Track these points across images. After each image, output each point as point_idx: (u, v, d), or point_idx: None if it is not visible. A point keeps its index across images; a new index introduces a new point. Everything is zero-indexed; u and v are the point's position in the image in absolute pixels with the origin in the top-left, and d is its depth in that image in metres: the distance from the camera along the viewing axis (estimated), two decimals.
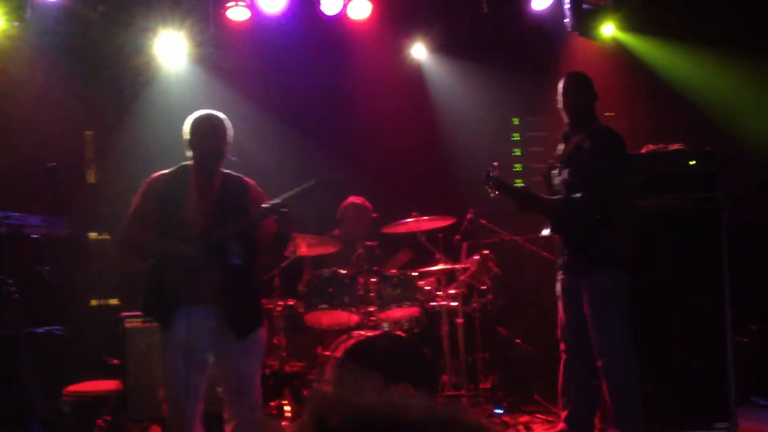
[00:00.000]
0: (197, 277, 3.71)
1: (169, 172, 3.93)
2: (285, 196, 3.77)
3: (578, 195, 4.34)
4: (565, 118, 4.61)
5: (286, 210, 3.72)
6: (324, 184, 3.82)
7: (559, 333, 4.68)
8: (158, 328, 3.88)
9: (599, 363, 4.41)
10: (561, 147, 4.70)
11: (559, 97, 4.58)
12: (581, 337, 4.55)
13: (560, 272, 4.65)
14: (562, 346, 4.67)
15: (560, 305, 4.66)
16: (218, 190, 3.90)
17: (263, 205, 3.75)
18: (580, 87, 4.56)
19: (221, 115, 3.95)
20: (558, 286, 4.65)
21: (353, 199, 6.28)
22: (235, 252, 3.75)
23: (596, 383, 4.57)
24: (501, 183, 4.42)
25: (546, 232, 4.51)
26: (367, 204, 6.26)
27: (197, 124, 3.89)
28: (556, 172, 4.63)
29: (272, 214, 3.75)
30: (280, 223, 3.77)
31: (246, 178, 4.04)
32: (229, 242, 3.75)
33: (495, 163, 4.44)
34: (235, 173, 4.05)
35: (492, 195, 4.48)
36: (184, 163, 3.96)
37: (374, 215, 6.23)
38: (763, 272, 5.95)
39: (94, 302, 6.37)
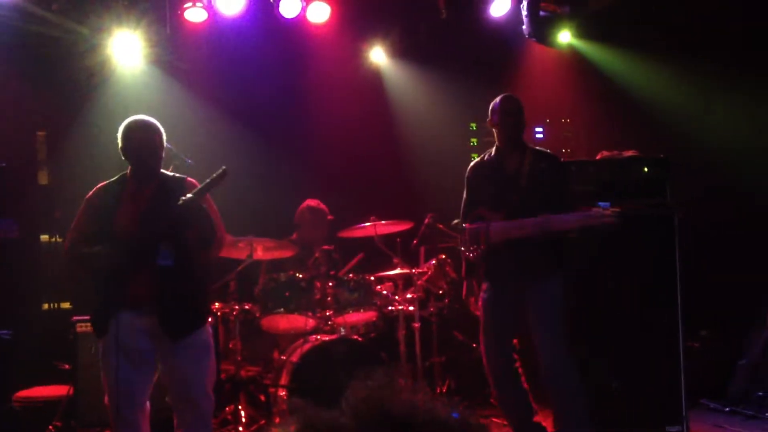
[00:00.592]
0: (128, 281, 3.68)
1: (108, 183, 3.94)
2: (196, 190, 3.73)
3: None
4: (502, 138, 4.60)
5: (195, 203, 3.67)
6: (221, 177, 3.75)
7: (484, 341, 4.63)
8: (96, 334, 3.83)
9: (544, 370, 4.44)
10: (482, 165, 4.70)
11: (500, 116, 4.57)
12: (505, 344, 4.56)
13: (490, 281, 4.61)
14: (487, 357, 4.62)
15: (487, 314, 4.60)
16: (152, 194, 3.87)
17: (178, 203, 3.69)
18: (521, 109, 4.60)
19: (152, 120, 3.92)
20: (483, 295, 4.62)
21: (309, 202, 6.26)
22: (166, 254, 3.72)
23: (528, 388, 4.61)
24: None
25: (478, 255, 4.49)
26: (323, 207, 6.25)
27: (127, 133, 3.86)
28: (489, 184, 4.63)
29: (186, 210, 3.69)
30: (194, 218, 3.72)
31: (189, 179, 3.99)
32: (159, 244, 3.72)
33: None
34: (176, 175, 4.01)
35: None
36: (124, 171, 3.94)
37: (330, 218, 6.22)
38: (712, 278, 6.06)
39: (45, 306, 6.25)
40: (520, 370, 4.60)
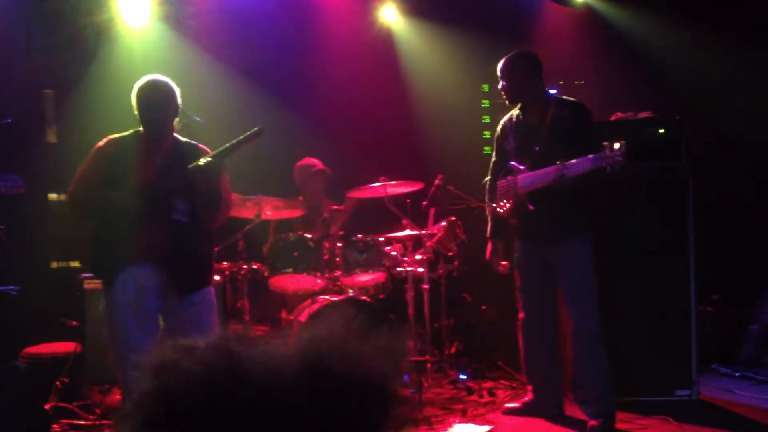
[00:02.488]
0: (141, 234, 3.64)
1: (120, 137, 3.88)
2: (227, 145, 3.68)
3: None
4: (508, 99, 4.64)
5: (214, 165, 3.63)
6: (257, 135, 3.69)
7: (523, 305, 4.68)
8: (103, 286, 3.80)
9: (570, 328, 4.43)
10: (510, 120, 4.66)
11: (501, 81, 4.60)
12: (543, 306, 4.56)
13: (522, 241, 4.63)
14: (522, 316, 4.68)
15: (521, 274, 4.65)
16: (166, 157, 3.83)
17: (198, 162, 3.64)
18: (512, 68, 4.57)
19: (166, 80, 3.86)
20: (520, 258, 4.64)
21: (302, 161, 6.24)
22: (180, 209, 3.68)
23: (559, 352, 4.61)
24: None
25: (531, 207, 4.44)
26: (310, 161, 6.20)
27: (141, 94, 3.81)
28: (513, 141, 4.58)
29: (207, 170, 3.64)
30: (206, 179, 3.67)
31: (201, 146, 3.97)
32: (174, 199, 3.67)
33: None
34: (189, 140, 3.97)
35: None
36: (137, 128, 3.89)
37: (320, 168, 6.17)
38: (725, 242, 6.00)
39: (54, 264, 6.24)
40: (557, 338, 4.59)
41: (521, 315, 4.69)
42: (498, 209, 4.61)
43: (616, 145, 3.93)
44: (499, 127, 4.80)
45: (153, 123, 3.82)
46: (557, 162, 4.18)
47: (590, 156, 4.04)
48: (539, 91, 4.54)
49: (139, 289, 3.65)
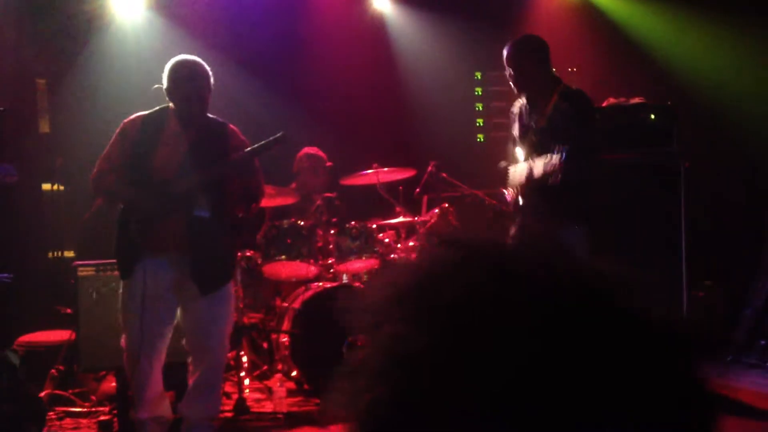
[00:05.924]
0: (160, 227, 3.62)
1: (147, 114, 3.79)
2: (252, 148, 3.70)
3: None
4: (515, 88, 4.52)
5: (250, 162, 3.66)
6: (278, 141, 3.73)
7: None
8: (120, 275, 3.80)
9: None
10: (520, 105, 4.61)
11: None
12: None
13: (518, 227, 4.62)
14: None
15: None
16: (194, 138, 3.74)
17: (232, 157, 3.67)
18: (515, 55, 4.35)
19: (201, 62, 3.79)
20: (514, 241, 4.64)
21: (307, 149, 6.20)
22: (203, 204, 3.64)
23: None
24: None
25: (521, 201, 4.46)
26: (321, 153, 6.19)
27: (177, 69, 3.71)
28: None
29: (239, 166, 3.66)
30: (245, 175, 3.70)
31: (231, 126, 3.90)
32: (197, 193, 3.63)
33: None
34: (220, 119, 3.90)
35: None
36: (164, 105, 3.82)
37: (329, 164, 6.16)
38: (718, 226, 6.02)
39: (49, 254, 6.25)
40: None
41: None
42: (507, 197, 4.61)
43: (555, 158, 3.89)
44: (512, 110, 4.64)
45: (189, 107, 3.71)
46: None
47: (543, 161, 4.04)
48: (546, 79, 4.38)
49: (155, 284, 3.63)
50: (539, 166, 4.05)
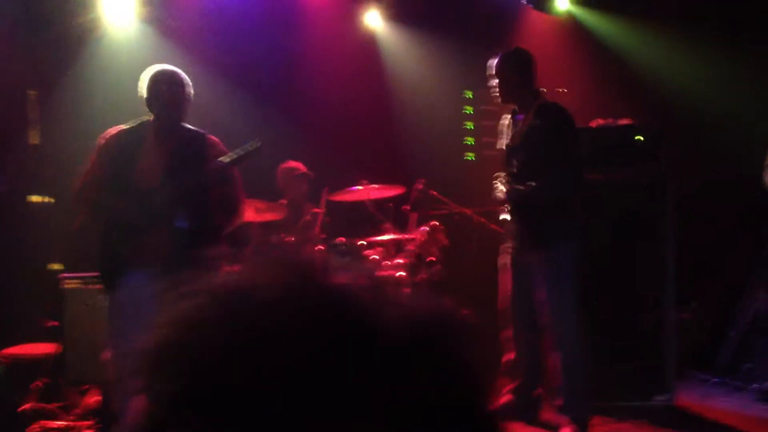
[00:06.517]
0: (142, 239, 3.63)
1: (127, 128, 3.83)
2: (231, 156, 3.70)
3: (538, 183, 4.27)
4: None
5: (227, 171, 3.66)
6: (256, 151, 3.74)
7: (500, 306, 4.68)
8: (104, 289, 3.79)
9: (550, 333, 4.45)
10: (505, 122, 4.66)
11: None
12: (529, 310, 4.58)
13: (510, 245, 4.64)
14: (505, 320, 4.67)
15: (506, 278, 4.65)
16: (173, 148, 3.78)
17: (210, 167, 3.68)
18: (501, 69, 4.48)
19: (179, 71, 3.84)
20: (505, 259, 4.65)
21: (285, 164, 6.24)
22: (183, 215, 3.66)
23: (540, 356, 4.62)
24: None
25: (505, 216, 4.49)
26: (292, 164, 6.20)
27: (155, 77, 3.77)
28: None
29: (216, 176, 3.67)
30: (222, 185, 3.70)
31: (210, 136, 3.93)
32: (177, 204, 3.65)
33: None
34: (199, 130, 3.93)
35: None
36: (144, 118, 3.85)
37: (303, 171, 6.15)
38: (704, 248, 6.05)
39: (35, 267, 6.21)
40: (540, 342, 4.59)
41: (505, 319, 4.66)
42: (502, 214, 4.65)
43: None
44: (501, 123, 4.70)
45: (167, 116, 3.77)
46: (525, 174, 4.28)
47: (518, 188, 4.15)
48: (527, 93, 4.46)
49: (139, 296, 3.63)
50: (518, 192, 4.13)
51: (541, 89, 4.66)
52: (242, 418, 0.66)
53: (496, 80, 4.47)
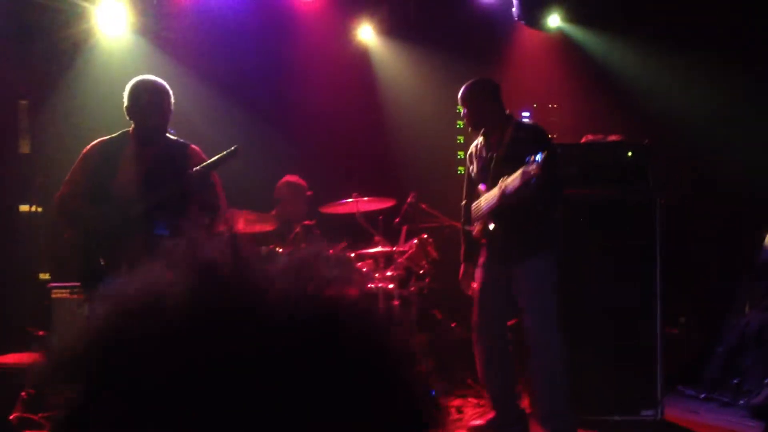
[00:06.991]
0: (122, 249, 3.64)
1: (108, 139, 3.87)
2: (204, 165, 3.71)
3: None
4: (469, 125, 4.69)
5: (206, 177, 3.67)
6: (232, 155, 3.75)
7: (476, 321, 4.65)
8: (85, 298, 3.80)
9: (531, 346, 4.46)
10: (475, 145, 4.73)
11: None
12: (503, 324, 4.59)
13: (487, 259, 4.62)
14: (479, 336, 4.64)
15: (483, 294, 4.62)
16: (154, 157, 3.81)
17: (189, 174, 3.68)
18: (470, 97, 4.61)
19: (161, 81, 3.87)
20: (480, 274, 4.63)
21: (288, 177, 6.21)
22: (163, 223, 3.68)
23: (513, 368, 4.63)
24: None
25: (491, 226, 4.51)
26: (302, 182, 6.19)
27: (137, 91, 3.80)
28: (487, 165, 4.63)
29: (195, 182, 3.67)
30: (201, 191, 3.70)
31: (192, 146, 3.96)
32: (157, 212, 3.67)
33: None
34: (180, 140, 3.96)
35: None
36: (126, 129, 3.88)
37: (309, 193, 6.17)
38: (692, 264, 6.08)
39: (24, 276, 6.19)
40: (510, 354, 4.61)
41: (474, 334, 4.66)
42: (471, 231, 4.67)
43: (538, 157, 3.97)
44: (469, 152, 4.85)
45: (148, 125, 3.80)
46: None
47: (520, 170, 4.10)
48: (498, 115, 4.58)
49: None
50: (516, 176, 4.11)
51: (533, 105, 4.74)
52: (144, 422, 0.69)
53: (467, 109, 4.60)
